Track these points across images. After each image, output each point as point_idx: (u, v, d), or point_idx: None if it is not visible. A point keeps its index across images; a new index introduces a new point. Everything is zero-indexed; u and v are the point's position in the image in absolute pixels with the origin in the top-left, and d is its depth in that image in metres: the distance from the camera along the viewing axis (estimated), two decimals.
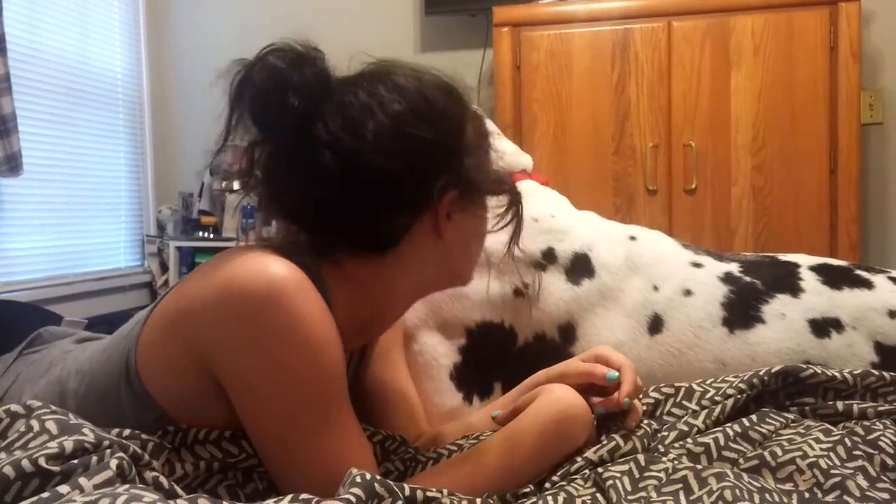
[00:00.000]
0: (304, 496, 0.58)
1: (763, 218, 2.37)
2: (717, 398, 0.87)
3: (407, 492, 0.62)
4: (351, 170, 0.72)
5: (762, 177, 2.37)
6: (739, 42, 2.37)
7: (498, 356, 1.07)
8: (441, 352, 1.06)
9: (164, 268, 3.04)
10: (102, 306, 2.73)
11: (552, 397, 0.78)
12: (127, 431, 0.67)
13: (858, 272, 1.10)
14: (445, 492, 0.64)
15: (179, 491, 0.62)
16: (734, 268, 1.12)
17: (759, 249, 2.35)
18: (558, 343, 1.06)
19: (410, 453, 0.83)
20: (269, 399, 0.67)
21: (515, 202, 0.85)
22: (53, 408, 0.64)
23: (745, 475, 0.70)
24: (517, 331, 1.07)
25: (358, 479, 0.60)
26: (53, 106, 2.64)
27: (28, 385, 0.81)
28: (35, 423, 0.61)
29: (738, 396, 0.87)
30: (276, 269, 0.67)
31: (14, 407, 0.64)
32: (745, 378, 0.89)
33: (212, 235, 3.02)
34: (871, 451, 0.75)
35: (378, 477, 0.61)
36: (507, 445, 0.74)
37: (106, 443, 0.60)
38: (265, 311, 0.65)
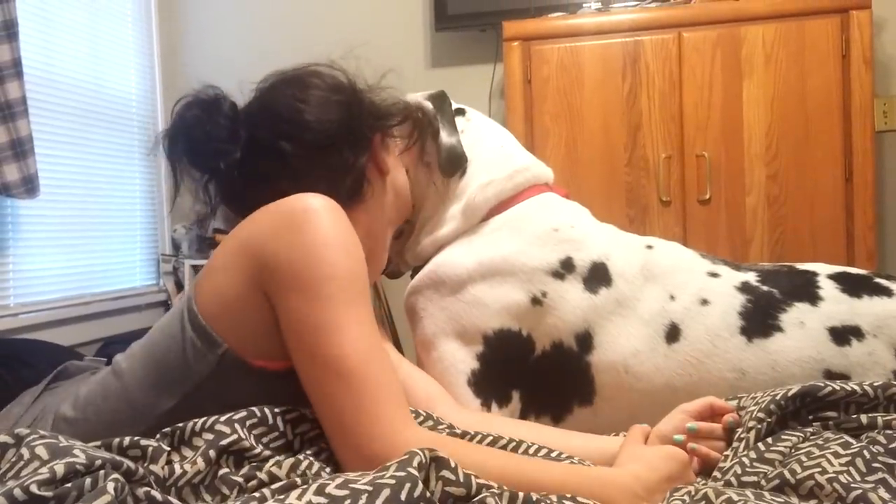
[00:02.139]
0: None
1: (778, 227, 2.35)
2: (741, 435, 0.86)
3: None
4: (308, 145, 0.93)
5: (777, 186, 2.35)
6: (751, 52, 2.36)
7: (516, 364, 1.07)
8: (459, 358, 1.06)
9: (179, 286, 3.06)
10: (119, 326, 2.75)
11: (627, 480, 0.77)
12: (127, 440, 0.69)
13: (878, 280, 1.09)
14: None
15: (174, 501, 0.63)
16: (751, 277, 1.11)
17: (776, 259, 2.33)
18: (576, 351, 1.06)
19: (436, 431, 0.84)
20: (310, 288, 0.78)
21: (417, 119, 1.11)
22: (42, 433, 0.64)
23: (766, 494, 0.70)
24: (535, 339, 1.07)
25: (403, 497, 0.56)
26: (69, 128, 2.66)
27: (61, 405, 0.84)
28: (25, 452, 0.61)
29: (759, 427, 0.85)
30: (316, 197, 0.83)
31: (3, 438, 0.64)
32: (763, 405, 0.87)
33: None
34: (892, 461, 0.74)
35: (427, 494, 0.58)
36: (564, 480, 0.74)
37: (98, 462, 0.60)
38: (308, 221, 0.80)
